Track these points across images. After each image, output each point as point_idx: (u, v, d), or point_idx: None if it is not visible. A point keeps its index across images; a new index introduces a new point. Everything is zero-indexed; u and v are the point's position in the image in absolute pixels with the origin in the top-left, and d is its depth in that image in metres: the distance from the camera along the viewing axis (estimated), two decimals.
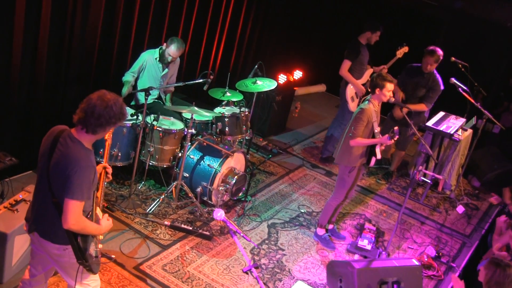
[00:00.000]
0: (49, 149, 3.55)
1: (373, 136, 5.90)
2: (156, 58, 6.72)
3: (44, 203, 3.60)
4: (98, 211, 3.85)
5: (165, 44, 6.68)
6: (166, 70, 6.85)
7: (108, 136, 3.96)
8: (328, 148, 8.49)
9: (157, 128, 6.31)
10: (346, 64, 7.86)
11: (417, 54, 7.89)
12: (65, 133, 3.58)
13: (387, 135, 5.71)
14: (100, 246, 3.83)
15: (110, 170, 4.03)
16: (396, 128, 5.70)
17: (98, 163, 6.23)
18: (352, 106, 8.06)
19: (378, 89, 5.81)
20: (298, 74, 10.38)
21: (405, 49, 8.11)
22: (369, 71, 8.13)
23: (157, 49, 6.74)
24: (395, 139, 5.74)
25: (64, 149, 3.50)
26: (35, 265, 4.00)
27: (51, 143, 3.56)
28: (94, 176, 3.59)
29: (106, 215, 3.87)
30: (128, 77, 6.68)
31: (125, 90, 6.53)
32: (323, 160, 8.57)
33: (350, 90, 8.03)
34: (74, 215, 3.44)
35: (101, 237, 3.90)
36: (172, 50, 6.62)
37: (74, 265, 3.69)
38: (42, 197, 3.63)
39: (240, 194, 6.81)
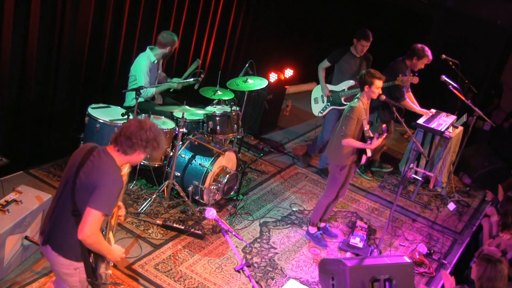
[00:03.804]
0: (81, 160, 3.54)
1: (363, 134, 5.91)
2: (154, 61, 6.71)
3: (62, 214, 3.57)
4: (111, 236, 3.84)
5: (161, 44, 6.68)
6: (160, 68, 6.92)
7: (124, 172, 3.87)
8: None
9: None
10: (324, 62, 7.77)
11: (407, 52, 7.90)
12: (99, 148, 3.62)
13: (376, 133, 5.72)
14: (109, 271, 3.79)
15: (123, 212, 4.03)
16: (384, 126, 5.72)
17: None
18: (314, 108, 7.94)
19: (367, 86, 5.82)
20: (289, 73, 10.37)
21: (413, 79, 7.56)
22: (349, 83, 7.69)
23: (149, 52, 6.69)
24: (384, 136, 5.76)
25: (96, 161, 3.53)
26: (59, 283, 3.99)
27: (84, 155, 3.57)
28: (120, 194, 3.59)
29: (120, 246, 3.84)
30: (151, 90, 6.73)
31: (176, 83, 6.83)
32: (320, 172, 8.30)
33: (315, 90, 7.95)
34: (93, 226, 3.40)
35: (111, 263, 3.86)
36: (176, 42, 6.77)
37: (83, 283, 3.65)
38: (61, 208, 3.59)
39: (231, 193, 6.81)
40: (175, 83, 6.89)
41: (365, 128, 5.87)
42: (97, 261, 3.61)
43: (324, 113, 7.80)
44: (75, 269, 3.61)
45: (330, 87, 7.77)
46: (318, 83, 7.90)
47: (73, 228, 3.47)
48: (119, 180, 3.52)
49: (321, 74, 7.77)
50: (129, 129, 3.55)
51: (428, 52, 7.60)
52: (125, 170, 3.84)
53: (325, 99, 7.79)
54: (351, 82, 7.67)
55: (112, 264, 3.97)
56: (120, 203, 3.96)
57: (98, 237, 3.48)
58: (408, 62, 7.74)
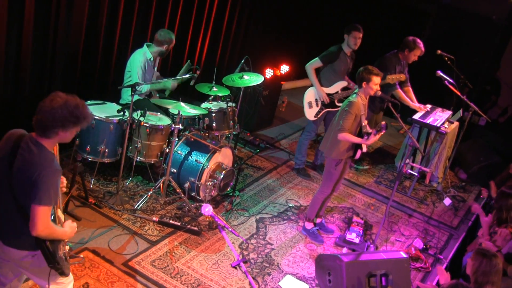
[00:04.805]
0: (9, 154, 3.42)
1: (361, 130, 5.92)
2: (150, 59, 6.70)
3: (7, 210, 3.49)
4: (60, 213, 3.77)
5: (158, 42, 6.67)
6: (156, 66, 6.93)
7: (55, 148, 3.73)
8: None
9: (144, 124, 6.29)
10: (316, 63, 7.44)
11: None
12: (26, 138, 3.47)
13: (374, 129, 5.73)
14: (67, 247, 3.75)
15: (63, 182, 3.87)
16: (383, 122, 5.71)
17: (84, 159, 6.24)
18: (308, 112, 7.59)
19: (364, 82, 5.82)
20: (285, 69, 10.38)
21: (400, 76, 7.54)
22: (342, 83, 7.51)
23: (146, 49, 6.69)
24: (382, 133, 5.76)
25: (27, 154, 3.39)
26: (5, 274, 3.86)
27: (11, 148, 3.44)
28: (59, 179, 3.51)
29: (70, 220, 3.79)
30: (146, 86, 6.72)
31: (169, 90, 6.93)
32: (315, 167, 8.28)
33: (309, 94, 7.59)
34: (43, 221, 3.36)
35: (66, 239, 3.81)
36: (173, 40, 6.75)
37: (45, 269, 3.59)
38: (3, 204, 3.50)
39: (228, 189, 6.81)
40: (171, 79, 6.88)
41: (363, 124, 5.88)
42: (54, 245, 3.55)
43: (318, 116, 7.63)
44: (33, 256, 3.57)
45: (324, 89, 7.51)
46: None
47: (22, 224, 3.41)
48: (55, 168, 3.41)
49: (314, 76, 7.48)
50: (41, 112, 3.39)
51: (420, 44, 7.60)
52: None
53: (320, 102, 7.54)
54: (344, 83, 7.52)
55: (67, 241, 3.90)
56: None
57: (50, 228, 3.45)
58: (400, 55, 7.75)
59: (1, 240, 3.57)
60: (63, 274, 3.67)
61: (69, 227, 3.72)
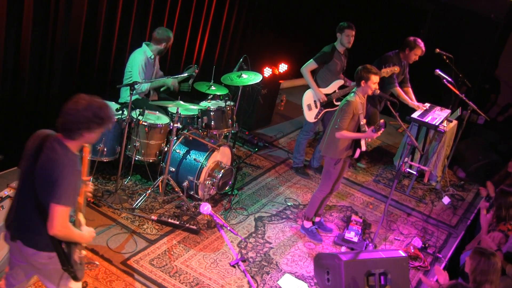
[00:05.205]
0: (35, 152, 3.48)
1: (359, 129, 5.91)
2: (150, 57, 6.70)
3: (27, 208, 3.52)
4: (81, 217, 3.79)
5: (157, 40, 6.67)
6: (156, 65, 6.94)
7: (85, 150, 3.81)
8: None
9: (143, 123, 6.28)
10: (310, 65, 7.39)
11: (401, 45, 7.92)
12: (51, 137, 3.51)
13: (372, 127, 5.72)
14: (83, 252, 3.76)
15: (90, 188, 3.93)
16: (382, 121, 5.70)
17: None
18: (308, 115, 7.54)
19: (363, 81, 5.81)
20: (283, 67, 10.37)
21: (394, 69, 7.39)
22: (339, 82, 7.47)
23: (146, 48, 6.69)
24: (381, 132, 5.76)
25: (51, 152, 3.44)
26: (15, 275, 3.86)
27: (37, 146, 3.49)
28: (80, 181, 3.54)
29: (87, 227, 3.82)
30: (145, 85, 6.73)
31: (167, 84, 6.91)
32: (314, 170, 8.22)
33: (307, 96, 7.53)
34: (61, 221, 3.38)
35: (84, 244, 3.83)
36: (171, 38, 6.75)
37: (59, 271, 3.61)
38: (24, 202, 3.54)
39: (226, 188, 6.81)
40: (170, 77, 6.87)
41: (362, 123, 5.87)
42: (70, 249, 3.57)
43: (318, 117, 7.61)
44: (50, 258, 3.58)
45: (321, 90, 7.47)
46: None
47: (40, 222, 3.44)
48: (76, 169, 3.46)
49: (311, 78, 7.42)
50: (65, 115, 3.43)
51: (421, 44, 7.62)
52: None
53: (319, 103, 7.50)
54: (340, 82, 7.50)
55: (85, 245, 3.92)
56: (87, 180, 3.87)
57: (68, 229, 3.46)
58: (401, 54, 7.76)
59: (20, 239, 3.59)
60: (76, 278, 3.66)
61: (87, 232, 3.74)
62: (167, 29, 6.78)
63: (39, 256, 3.58)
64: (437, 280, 5.26)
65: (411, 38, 7.68)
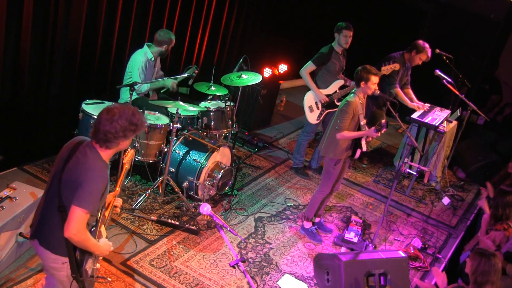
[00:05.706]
0: (67, 155, 3.52)
1: (359, 129, 5.91)
2: (151, 59, 6.70)
3: (50, 209, 3.54)
4: (103, 229, 3.80)
5: (158, 42, 6.68)
6: (157, 65, 6.95)
7: (127, 159, 3.90)
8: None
9: None
10: (309, 67, 7.39)
11: (401, 46, 7.92)
12: (85, 143, 3.57)
13: (373, 127, 5.72)
14: (97, 265, 3.76)
15: (119, 203, 3.98)
16: (383, 120, 5.70)
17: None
18: (310, 116, 7.52)
19: (363, 82, 5.81)
20: (283, 68, 10.37)
21: (394, 66, 7.28)
22: (339, 83, 7.47)
23: (147, 49, 6.69)
24: (382, 132, 5.75)
25: (82, 156, 3.48)
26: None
27: (70, 149, 3.54)
28: (105, 190, 3.54)
29: (107, 240, 3.82)
30: (145, 86, 6.74)
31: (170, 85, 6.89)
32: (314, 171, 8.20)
33: (308, 98, 7.50)
34: (78, 224, 3.38)
35: (100, 257, 3.84)
36: (173, 40, 6.76)
37: (70, 278, 3.62)
38: (49, 202, 3.56)
39: (226, 188, 6.81)
40: (170, 78, 6.87)
41: (362, 123, 5.87)
42: (83, 257, 3.58)
43: (320, 118, 7.60)
44: (63, 263, 3.59)
45: (322, 91, 7.46)
46: (312, 78, 7.69)
47: (59, 224, 3.46)
48: (102, 176, 3.48)
49: (310, 80, 7.42)
50: (101, 126, 3.46)
51: (428, 50, 7.63)
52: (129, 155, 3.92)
53: (320, 105, 7.48)
54: (341, 82, 7.50)
55: (101, 258, 3.94)
56: (116, 195, 3.94)
57: (84, 234, 3.46)
58: (406, 55, 7.78)
59: (37, 238, 3.61)
60: None
61: (104, 244, 3.73)
62: (169, 32, 6.78)
63: (53, 261, 3.59)
64: (435, 283, 5.26)
65: (420, 42, 7.68)
